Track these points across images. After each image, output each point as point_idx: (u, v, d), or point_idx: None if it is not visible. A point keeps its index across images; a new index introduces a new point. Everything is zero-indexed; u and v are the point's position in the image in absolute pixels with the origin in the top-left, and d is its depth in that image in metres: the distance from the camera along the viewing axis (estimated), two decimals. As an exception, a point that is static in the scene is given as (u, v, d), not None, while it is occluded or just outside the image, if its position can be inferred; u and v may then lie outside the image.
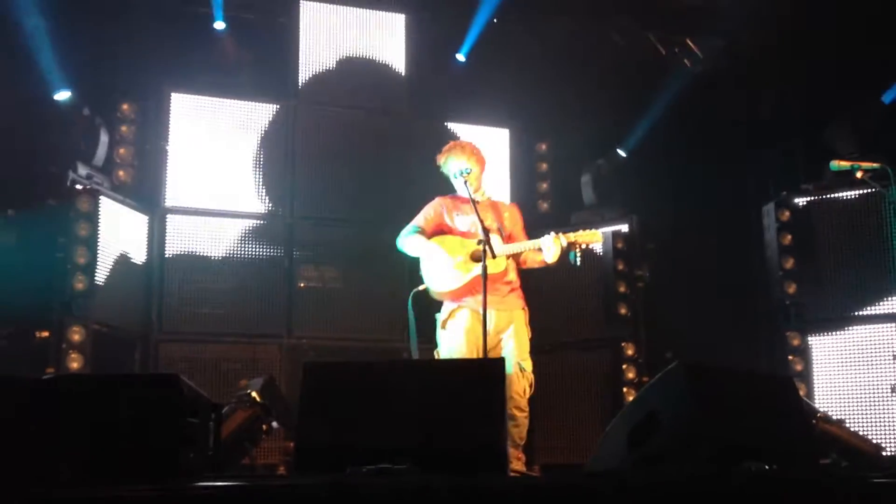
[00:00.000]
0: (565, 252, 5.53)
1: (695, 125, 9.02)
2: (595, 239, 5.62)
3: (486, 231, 5.42)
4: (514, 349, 5.57)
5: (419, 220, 5.93)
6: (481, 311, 5.36)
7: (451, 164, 5.85)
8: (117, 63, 8.00)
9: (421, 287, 5.79)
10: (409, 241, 5.87)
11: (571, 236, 5.53)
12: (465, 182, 5.68)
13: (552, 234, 5.52)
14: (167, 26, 8.23)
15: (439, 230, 5.88)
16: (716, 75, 8.95)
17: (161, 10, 8.22)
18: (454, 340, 5.62)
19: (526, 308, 5.75)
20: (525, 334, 5.67)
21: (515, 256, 5.71)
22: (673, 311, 8.46)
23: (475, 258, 5.59)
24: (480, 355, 5.46)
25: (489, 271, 5.40)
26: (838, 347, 7.68)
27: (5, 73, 7.47)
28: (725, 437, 3.92)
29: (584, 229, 5.63)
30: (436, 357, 5.73)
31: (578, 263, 5.57)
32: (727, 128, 9.02)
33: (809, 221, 7.99)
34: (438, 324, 5.75)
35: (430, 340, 5.90)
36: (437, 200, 5.98)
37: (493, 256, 5.41)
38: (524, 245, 5.66)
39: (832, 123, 8.21)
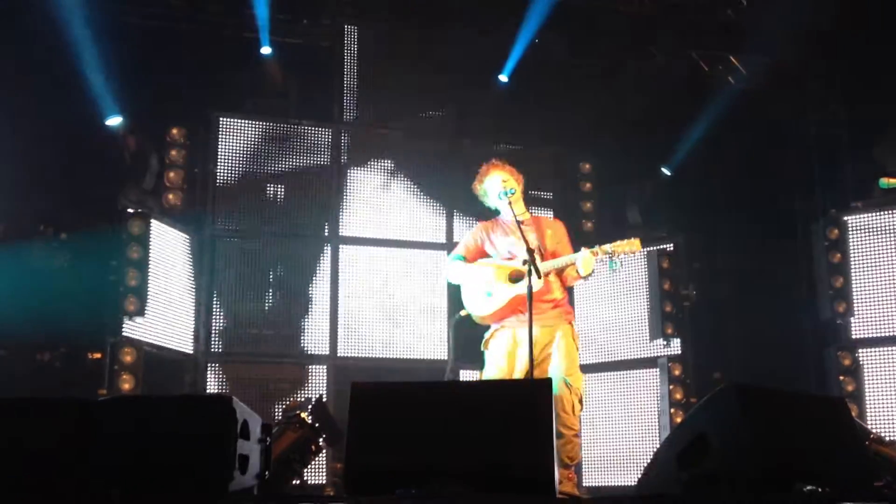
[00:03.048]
0: (603, 262, 5.52)
1: (740, 143, 8.96)
2: (633, 247, 5.53)
3: (530, 251, 5.40)
4: (559, 365, 5.51)
5: (460, 248, 5.95)
6: (523, 331, 5.40)
7: (492, 187, 5.80)
8: (166, 88, 8.11)
9: (462, 312, 5.81)
10: (450, 269, 5.90)
11: (608, 248, 5.50)
12: (510, 203, 5.68)
13: (587, 249, 5.49)
14: (215, 51, 8.35)
15: (480, 256, 5.86)
16: (761, 92, 8.88)
17: (209, 36, 8.35)
18: (496, 360, 5.62)
19: (572, 324, 5.70)
20: (571, 349, 5.58)
21: (558, 273, 5.69)
22: (720, 331, 8.39)
23: (513, 279, 5.59)
24: (523, 374, 5.46)
25: (531, 291, 5.41)
26: (891, 367, 7.57)
27: (58, 100, 7.62)
28: (778, 459, 3.88)
29: (624, 240, 5.57)
30: (480, 377, 5.74)
31: (617, 269, 5.58)
32: (773, 145, 8.95)
33: (859, 239, 7.90)
34: (482, 344, 5.76)
35: (475, 363, 5.96)
36: (478, 227, 5.96)
37: (539, 276, 5.38)
38: (560, 261, 5.58)
39: (881, 140, 8.11)
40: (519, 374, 5.53)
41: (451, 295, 8.02)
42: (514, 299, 5.53)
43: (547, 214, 8.76)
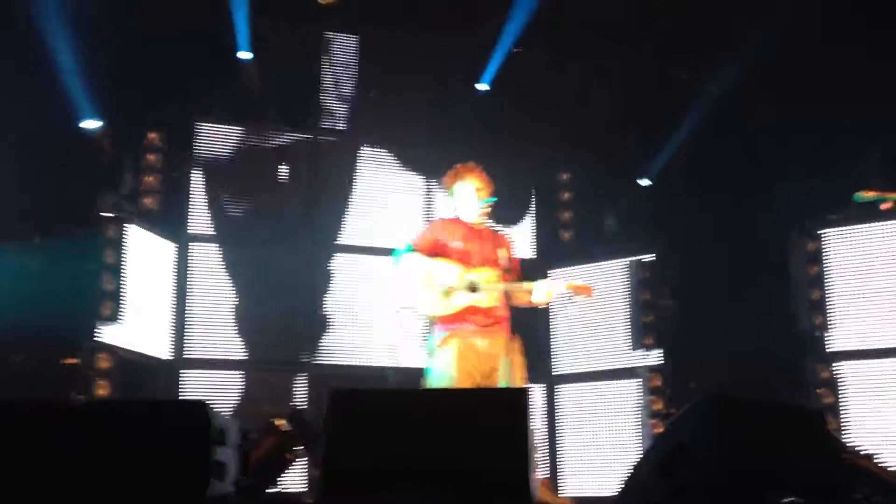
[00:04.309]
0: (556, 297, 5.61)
1: (718, 154, 8.99)
2: (587, 293, 5.56)
3: (512, 261, 5.42)
4: (507, 378, 5.47)
5: (415, 241, 5.76)
6: (474, 341, 5.49)
7: (467, 190, 5.75)
8: (144, 92, 8.05)
9: (404, 307, 5.79)
10: (405, 259, 5.69)
11: (564, 286, 5.56)
12: (485, 213, 5.69)
13: (548, 281, 5.61)
14: (193, 56, 8.29)
15: (434, 253, 5.69)
16: (739, 103, 8.92)
17: (187, 40, 8.29)
18: (445, 369, 5.53)
19: (516, 337, 5.64)
20: (520, 363, 5.56)
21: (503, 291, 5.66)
22: (699, 342, 8.41)
23: (470, 288, 5.55)
24: (474, 384, 5.47)
25: (484, 305, 5.51)
26: (868, 379, 7.62)
27: (34, 101, 7.56)
28: (755, 470, 3.89)
29: (581, 282, 5.63)
30: (423, 386, 5.69)
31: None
32: (751, 156, 8.99)
33: (836, 252, 7.96)
34: (428, 351, 5.68)
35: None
36: (435, 224, 5.95)
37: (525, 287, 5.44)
38: (520, 286, 5.59)
39: (859, 154, 8.17)
40: (469, 383, 5.47)
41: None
42: (469, 309, 5.53)
43: (522, 224, 8.81)
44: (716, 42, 8.73)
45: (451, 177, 5.86)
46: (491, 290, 5.53)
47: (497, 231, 5.88)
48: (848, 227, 7.96)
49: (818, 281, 7.95)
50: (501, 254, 5.71)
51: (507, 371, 5.50)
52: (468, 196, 5.75)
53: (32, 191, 7.65)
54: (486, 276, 5.57)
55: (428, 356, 5.67)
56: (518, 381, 5.49)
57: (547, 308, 8.52)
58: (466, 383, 5.48)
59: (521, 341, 5.68)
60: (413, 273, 5.70)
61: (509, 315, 5.71)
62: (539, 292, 5.50)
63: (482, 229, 5.76)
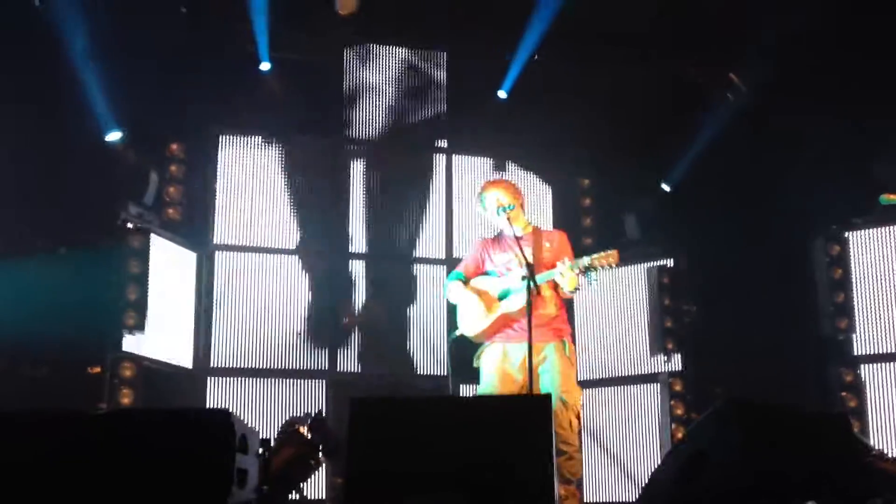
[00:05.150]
0: (581, 275, 5.52)
1: (739, 158, 8.96)
2: (611, 259, 5.51)
3: (529, 266, 5.40)
4: (553, 382, 5.49)
5: (461, 266, 6.02)
6: (513, 346, 5.53)
7: (489, 204, 5.87)
8: (166, 103, 8.11)
9: (457, 332, 5.84)
10: (449, 289, 5.97)
11: (586, 261, 5.49)
12: (508, 219, 5.68)
13: (566, 261, 5.50)
14: (215, 67, 8.35)
15: (479, 273, 5.91)
16: (760, 107, 8.89)
17: (208, 51, 8.35)
18: (487, 377, 5.67)
19: (566, 339, 5.68)
20: (565, 366, 5.57)
21: (554, 288, 5.68)
22: (721, 347, 8.36)
23: (500, 297, 5.67)
24: (515, 390, 5.50)
25: (511, 309, 5.55)
26: (893, 382, 7.55)
27: (58, 114, 7.63)
28: (777, 476, 3.87)
29: (601, 251, 5.57)
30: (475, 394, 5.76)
31: (592, 283, 5.57)
32: (773, 161, 8.95)
33: (860, 255, 7.90)
34: (476, 360, 5.80)
35: (473, 379, 5.96)
36: (479, 243, 6.03)
37: (539, 293, 5.39)
38: (546, 275, 5.57)
39: (882, 156, 8.11)
40: (509, 389, 5.53)
41: (450, 310, 8.04)
42: (501, 318, 5.63)
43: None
44: (737, 46, 8.70)
45: (477, 197, 6.02)
46: (521, 291, 5.45)
47: (545, 231, 5.98)
48: (873, 230, 7.90)
49: (842, 284, 7.89)
50: (547, 247, 5.78)
51: (553, 377, 5.51)
52: (493, 207, 5.83)
53: (57, 202, 7.72)
54: (519, 279, 5.55)
55: (476, 364, 5.77)
56: (564, 387, 5.49)
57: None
58: (509, 390, 5.52)
59: (572, 346, 5.71)
60: (455, 300, 5.91)
61: (561, 315, 5.75)
62: (558, 277, 5.50)
63: (524, 235, 5.79)
